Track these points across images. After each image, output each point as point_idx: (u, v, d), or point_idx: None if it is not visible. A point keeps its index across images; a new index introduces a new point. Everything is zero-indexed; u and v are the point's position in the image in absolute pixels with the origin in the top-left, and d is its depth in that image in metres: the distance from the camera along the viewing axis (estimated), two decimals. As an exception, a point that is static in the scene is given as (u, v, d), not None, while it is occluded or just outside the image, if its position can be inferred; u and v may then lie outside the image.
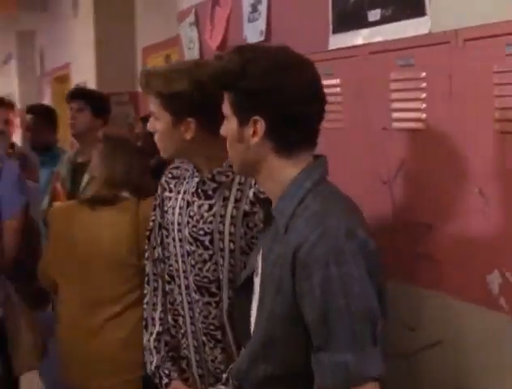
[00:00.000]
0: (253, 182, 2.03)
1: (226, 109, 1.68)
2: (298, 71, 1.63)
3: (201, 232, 2.07)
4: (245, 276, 1.82)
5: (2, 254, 3.11)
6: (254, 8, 2.88)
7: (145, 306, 2.32)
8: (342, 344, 1.51)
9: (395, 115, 1.97)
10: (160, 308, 2.28)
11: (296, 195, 1.63)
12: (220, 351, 2.11)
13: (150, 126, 2.09)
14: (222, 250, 2.05)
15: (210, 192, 2.08)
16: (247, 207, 2.04)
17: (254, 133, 1.63)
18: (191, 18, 3.61)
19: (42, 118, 4.74)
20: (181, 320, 2.20)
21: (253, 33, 2.88)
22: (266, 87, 1.61)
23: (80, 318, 2.84)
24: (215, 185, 2.07)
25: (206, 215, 2.07)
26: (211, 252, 2.07)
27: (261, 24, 2.81)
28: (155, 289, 2.30)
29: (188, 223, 2.10)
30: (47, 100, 8.85)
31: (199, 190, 2.10)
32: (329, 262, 1.51)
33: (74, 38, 7.23)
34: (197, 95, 1.99)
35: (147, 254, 2.32)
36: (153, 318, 2.30)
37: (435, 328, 1.86)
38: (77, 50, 7.06)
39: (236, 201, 2.05)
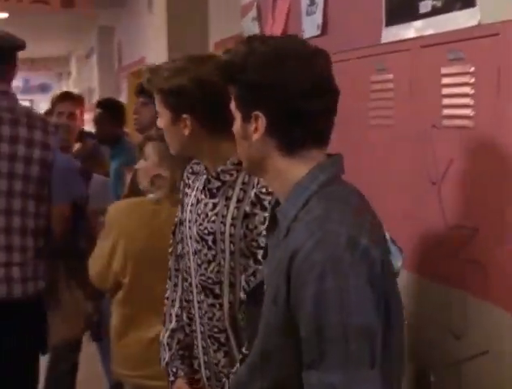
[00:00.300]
0: (255, 182, 1.98)
1: (232, 104, 1.61)
2: (303, 63, 1.52)
3: (205, 232, 2.03)
4: (254, 284, 1.74)
5: (50, 235, 3.21)
6: (312, 1, 2.81)
7: (165, 301, 2.30)
8: (333, 363, 1.39)
9: (445, 112, 1.87)
10: (177, 304, 2.26)
11: (300, 198, 1.53)
12: (223, 354, 2.06)
13: (157, 122, 2.09)
14: (223, 251, 2.00)
15: (214, 191, 2.04)
16: (248, 208, 1.98)
17: (256, 129, 1.55)
18: (253, 12, 3.56)
19: (108, 112, 4.79)
20: (193, 319, 2.16)
21: (310, 27, 2.81)
22: (267, 80, 1.52)
23: (147, 321, 2.79)
24: (219, 183, 2.03)
25: (210, 214, 2.03)
26: (213, 252, 2.02)
27: (318, 18, 2.74)
28: (176, 285, 2.27)
29: (196, 221, 2.07)
30: (123, 94, 8.96)
31: (206, 188, 2.06)
32: (325, 272, 1.39)
33: (148, 34, 7.28)
34: (196, 92, 1.96)
35: (170, 249, 2.30)
36: (170, 315, 2.27)
37: (481, 337, 1.76)
38: (151, 45, 7.12)
39: (239, 201, 2.00)
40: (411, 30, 2.04)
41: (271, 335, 1.52)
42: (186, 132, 2.01)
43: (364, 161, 2.32)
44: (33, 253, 3.10)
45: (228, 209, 2.00)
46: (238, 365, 1.95)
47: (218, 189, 2.04)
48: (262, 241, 1.92)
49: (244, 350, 1.91)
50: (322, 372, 1.40)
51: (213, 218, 2.02)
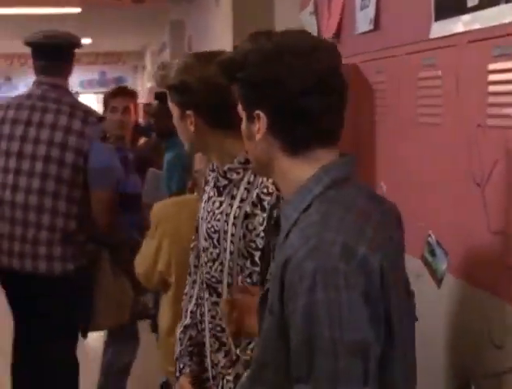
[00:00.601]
0: (259, 182, 1.96)
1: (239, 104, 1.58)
2: (304, 59, 1.47)
3: (212, 230, 2.04)
4: (263, 291, 1.69)
5: (85, 221, 3.38)
6: (366, -6, 2.74)
7: (183, 297, 2.30)
8: (322, 380, 1.34)
9: (491, 111, 1.78)
10: (194, 301, 2.24)
11: (303, 200, 1.47)
12: (224, 354, 2.04)
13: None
14: (225, 250, 2.00)
15: (221, 189, 2.04)
16: (248, 209, 1.96)
17: (258, 129, 1.50)
18: (311, 7, 3.50)
19: (166, 105, 4.78)
20: (202, 316, 2.15)
21: (363, 22, 2.73)
22: (266, 77, 1.47)
23: None
24: (225, 182, 2.03)
25: (216, 212, 2.04)
26: (218, 251, 2.02)
27: (370, 12, 2.66)
28: (194, 282, 2.25)
29: (206, 218, 2.07)
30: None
31: (215, 186, 2.07)
32: (316, 283, 1.33)
33: (215, 27, 7.29)
34: (200, 90, 1.98)
35: (192, 245, 2.28)
36: (186, 310, 2.26)
37: (523, 349, 1.68)
38: (218, 40, 7.12)
39: (242, 200, 1.99)
40: (458, 25, 1.95)
41: (268, 342, 1.47)
42: (192, 128, 2.02)
43: (412, 160, 2.25)
44: (62, 234, 3.28)
45: (231, 208, 2.00)
46: (232, 368, 1.94)
47: (224, 187, 2.04)
48: (260, 242, 1.93)
49: (238, 352, 1.90)
50: (310, 388, 1.35)
51: (218, 216, 2.03)
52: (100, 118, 3.54)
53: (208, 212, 2.08)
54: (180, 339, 2.23)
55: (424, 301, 1.86)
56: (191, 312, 2.24)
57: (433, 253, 2.08)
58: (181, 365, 2.19)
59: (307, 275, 1.35)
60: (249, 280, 1.97)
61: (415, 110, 2.21)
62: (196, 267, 2.25)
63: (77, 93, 16.65)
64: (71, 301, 3.31)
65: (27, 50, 3.55)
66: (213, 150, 2.07)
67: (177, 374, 2.20)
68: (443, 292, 2.00)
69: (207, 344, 2.13)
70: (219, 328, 2.06)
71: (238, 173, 2.02)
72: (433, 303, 2.00)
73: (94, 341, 3.59)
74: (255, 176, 1.99)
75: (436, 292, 2.01)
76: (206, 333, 2.13)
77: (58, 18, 10.29)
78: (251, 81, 1.50)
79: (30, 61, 3.55)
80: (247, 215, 1.98)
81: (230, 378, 2.00)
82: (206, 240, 2.06)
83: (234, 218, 1.99)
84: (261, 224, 1.95)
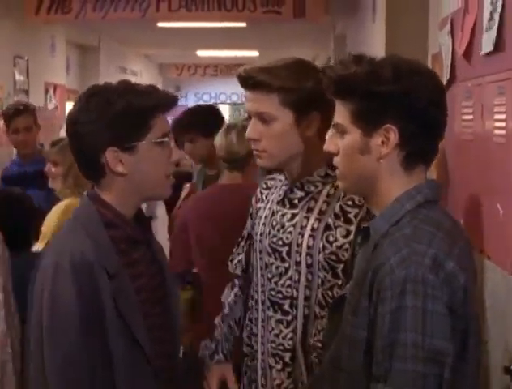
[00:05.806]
0: (341, 195, 1.93)
1: (341, 119, 1.60)
2: (429, 75, 1.58)
3: (280, 243, 2.00)
4: (339, 296, 1.75)
5: None
6: (491, 16, 2.71)
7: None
8: (399, 381, 1.40)
9: None
10: (233, 296, 2.31)
11: (395, 215, 1.54)
12: (287, 375, 1.99)
13: None
14: (298, 263, 1.96)
15: (295, 201, 2.01)
16: (330, 220, 1.93)
17: (383, 143, 1.55)
18: (448, 26, 3.49)
19: None
20: (253, 339, 2.13)
21: (487, 43, 2.71)
22: (402, 89, 1.53)
23: None
24: (302, 194, 2.00)
25: (287, 224, 2.00)
26: (287, 265, 1.98)
27: (493, 34, 2.64)
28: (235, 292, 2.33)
29: (269, 233, 2.04)
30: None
31: (285, 199, 2.03)
32: (406, 290, 1.40)
33: (370, 43, 7.31)
34: None
35: (233, 261, 2.33)
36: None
37: None
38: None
39: (321, 213, 1.95)
40: None
41: (345, 345, 1.54)
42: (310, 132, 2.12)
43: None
44: None
45: (308, 220, 1.98)
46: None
47: (300, 199, 2.02)
48: (344, 254, 1.90)
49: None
50: (387, 386, 1.43)
51: (290, 229, 2.00)
52: None
53: (273, 227, 2.05)
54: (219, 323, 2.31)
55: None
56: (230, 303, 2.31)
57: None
58: (225, 352, 2.26)
59: (398, 281, 1.44)
60: (330, 293, 1.95)
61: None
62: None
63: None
64: None
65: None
66: (293, 162, 2.05)
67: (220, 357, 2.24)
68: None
69: (259, 367, 2.08)
70: (281, 348, 2.00)
71: (316, 186, 2.01)
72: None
73: None
74: (335, 189, 1.97)
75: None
76: (259, 355, 2.09)
77: (225, 31, 10.68)
78: (386, 94, 1.56)
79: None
80: (328, 227, 1.96)
81: None
82: (270, 255, 2.03)
83: (312, 230, 1.96)
84: (344, 237, 1.93)
